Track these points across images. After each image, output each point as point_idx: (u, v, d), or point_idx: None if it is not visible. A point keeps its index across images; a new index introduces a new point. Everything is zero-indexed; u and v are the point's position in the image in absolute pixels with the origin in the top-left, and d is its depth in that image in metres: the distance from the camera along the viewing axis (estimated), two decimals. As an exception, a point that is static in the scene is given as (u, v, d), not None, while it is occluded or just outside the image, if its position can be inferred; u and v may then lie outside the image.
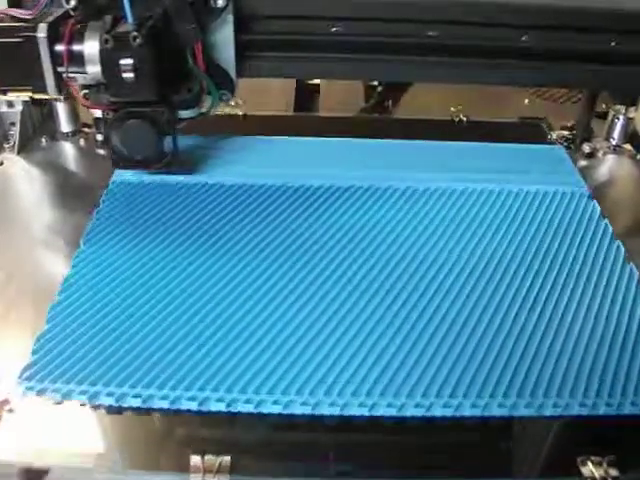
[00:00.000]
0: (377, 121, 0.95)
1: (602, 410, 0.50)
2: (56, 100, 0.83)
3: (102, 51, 0.63)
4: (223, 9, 0.67)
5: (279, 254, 0.64)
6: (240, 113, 0.89)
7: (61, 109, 0.84)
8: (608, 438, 0.50)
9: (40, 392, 0.50)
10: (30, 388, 0.50)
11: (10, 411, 0.49)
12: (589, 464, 0.47)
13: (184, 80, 0.69)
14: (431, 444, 0.50)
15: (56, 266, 0.64)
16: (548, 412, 0.50)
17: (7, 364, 0.52)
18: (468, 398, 0.51)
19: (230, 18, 0.69)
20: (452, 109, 0.92)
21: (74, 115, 0.85)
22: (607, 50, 0.74)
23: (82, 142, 0.85)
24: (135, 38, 0.61)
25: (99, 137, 0.83)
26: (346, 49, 0.73)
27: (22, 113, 0.80)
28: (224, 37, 0.70)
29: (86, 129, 0.86)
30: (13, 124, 0.80)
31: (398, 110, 0.97)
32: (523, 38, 0.73)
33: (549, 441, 0.51)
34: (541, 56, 0.75)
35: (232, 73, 0.73)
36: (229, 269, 0.62)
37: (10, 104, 0.79)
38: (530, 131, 0.90)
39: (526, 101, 0.99)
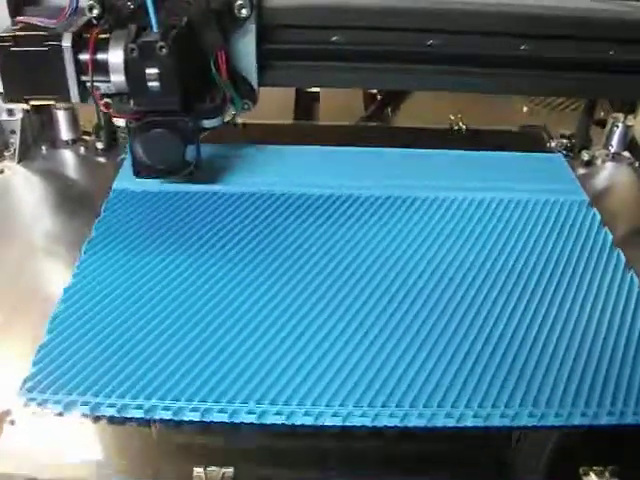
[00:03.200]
0: (376, 129, 0.95)
1: (604, 420, 0.51)
2: (56, 108, 0.83)
3: (127, 60, 0.63)
4: (246, 19, 0.68)
5: (279, 264, 0.64)
6: (239, 122, 0.89)
7: (61, 117, 0.84)
8: (610, 448, 0.50)
9: (42, 403, 0.50)
10: (32, 399, 0.50)
11: (12, 422, 0.49)
12: (591, 474, 0.47)
13: (208, 89, 0.69)
14: (431, 453, 0.50)
15: (57, 275, 0.64)
16: (550, 422, 0.50)
17: (8, 375, 0.52)
18: (470, 408, 0.51)
19: (253, 28, 0.69)
20: (451, 117, 0.92)
21: (74, 123, 0.85)
22: (606, 59, 0.75)
23: (82, 150, 0.85)
24: (161, 48, 0.61)
25: (99, 145, 0.84)
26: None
27: (22, 121, 0.80)
28: (246, 46, 0.71)
29: (86, 137, 0.86)
30: (13, 132, 0.80)
31: (397, 118, 0.98)
32: (522, 47, 0.74)
33: (551, 451, 0.51)
34: (540, 65, 0.75)
35: (254, 82, 0.73)
36: (230, 279, 0.62)
37: (10, 112, 0.79)
38: (529, 139, 0.91)
39: (525, 109, 1.00)
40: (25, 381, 0.51)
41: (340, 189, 0.75)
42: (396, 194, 0.75)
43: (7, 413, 0.49)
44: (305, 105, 0.97)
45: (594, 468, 0.48)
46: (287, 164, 0.80)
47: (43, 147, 0.84)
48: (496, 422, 0.50)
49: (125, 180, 0.75)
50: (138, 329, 0.56)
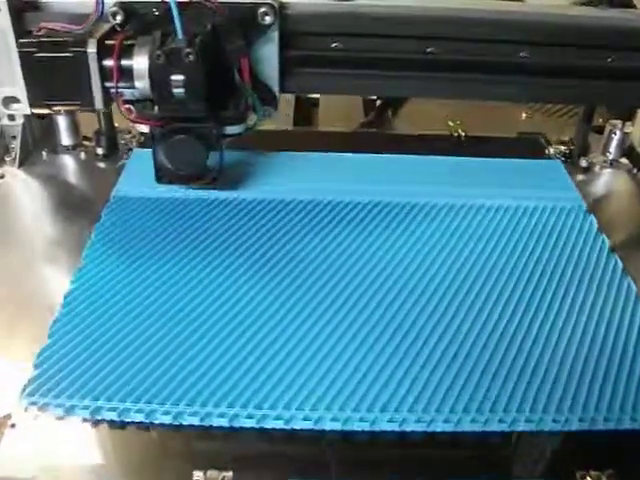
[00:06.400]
0: (376, 135, 0.96)
1: (601, 425, 0.51)
2: (57, 113, 0.84)
3: (153, 67, 0.63)
4: (270, 26, 0.68)
5: (278, 271, 0.65)
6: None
7: (62, 122, 0.84)
8: (607, 453, 0.50)
9: (42, 407, 0.50)
10: (32, 403, 0.50)
11: (12, 426, 0.49)
12: (588, 479, 0.48)
13: (231, 96, 0.69)
14: (429, 458, 0.50)
15: (57, 280, 0.64)
16: (547, 427, 0.51)
17: (10, 379, 0.52)
18: (468, 413, 0.51)
19: (275, 35, 0.70)
20: (450, 124, 0.93)
21: (74, 128, 0.85)
22: (604, 66, 0.75)
23: (82, 155, 0.85)
24: (188, 54, 0.61)
25: (99, 150, 0.84)
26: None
27: (23, 126, 0.81)
28: (269, 53, 0.71)
29: (86, 142, 0.86)
30: (14, 137, 0.81)
31: (397, 124, 0.98)
32: (521, 54, 0.74)
33: (548, 455, 0.51)
34: (539, 72, 0.76)
35: (275, 89, 0.73)
36: (230, 284, 0.63)
37: (11, 117, 0.79)
38: (528, 146, 0.91)
39: (524, 116, 1.00)
40: (26, 385, 0.51)
41: (344, 195, 0.76)
42: (394, 201, 0.75)
43: (8, 417, 0.50)
44: (304, 111, 0.98)
45: (591, 473, 0.48)
46: (289, 170, 0.80)
47: (44, 152, 0.84)
48: (494, 427, 0.51)
49: (126, 186, 0.76)
50: (138, 334, 0.56)
